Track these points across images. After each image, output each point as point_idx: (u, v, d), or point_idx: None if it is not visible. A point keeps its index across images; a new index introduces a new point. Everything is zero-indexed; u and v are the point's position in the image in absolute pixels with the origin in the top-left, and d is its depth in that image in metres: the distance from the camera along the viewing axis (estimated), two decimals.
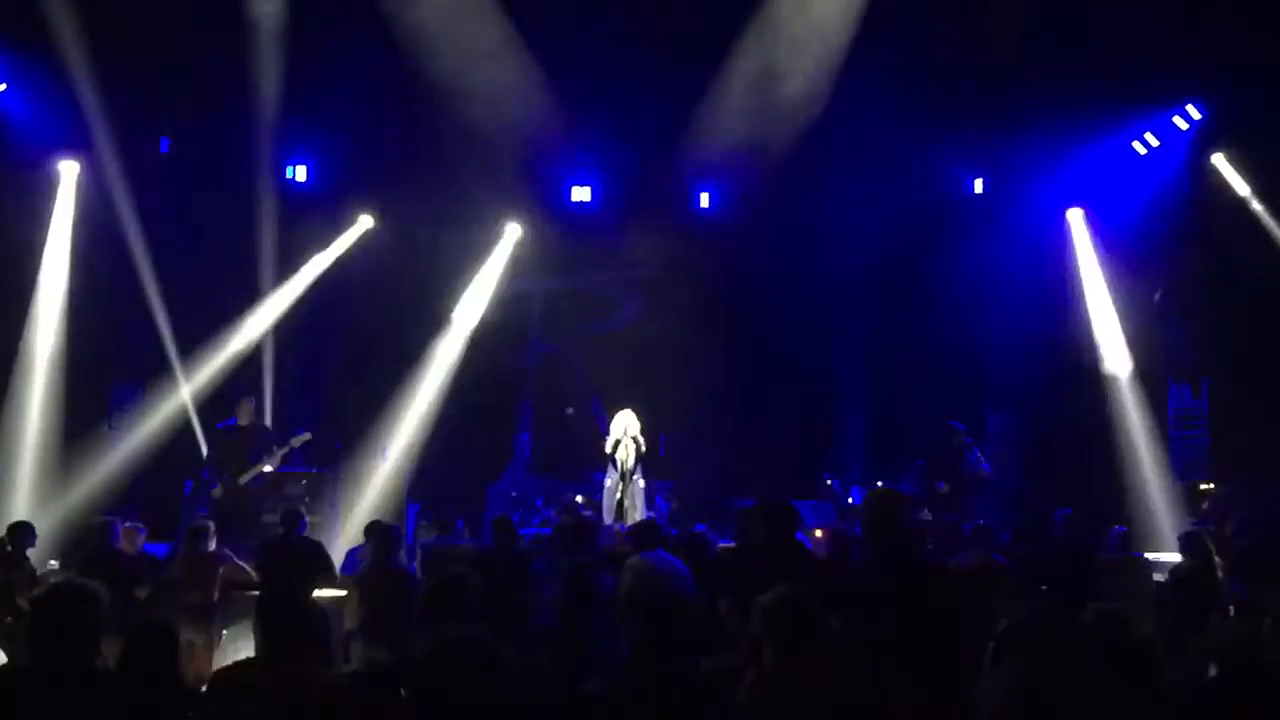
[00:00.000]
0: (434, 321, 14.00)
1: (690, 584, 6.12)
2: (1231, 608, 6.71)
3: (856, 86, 11.64)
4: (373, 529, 7.50)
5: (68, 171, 12.16)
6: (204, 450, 12.02)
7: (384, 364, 13.50)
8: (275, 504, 10.64)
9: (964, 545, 7.65)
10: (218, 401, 12.37)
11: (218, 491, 10.66)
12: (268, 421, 12.40)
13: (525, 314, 14.99)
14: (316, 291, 13.41)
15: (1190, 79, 11.78)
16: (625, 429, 12.08)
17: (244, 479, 10.74)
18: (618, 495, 11.97)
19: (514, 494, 13.39)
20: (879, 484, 13.02)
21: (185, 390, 12.46)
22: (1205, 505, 10.96)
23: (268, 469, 10.94)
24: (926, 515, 11.18)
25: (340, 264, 13.58)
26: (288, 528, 8.36)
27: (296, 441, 11.32)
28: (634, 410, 12.21)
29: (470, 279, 14.27)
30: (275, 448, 10.98)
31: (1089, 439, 12.56)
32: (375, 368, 13.50)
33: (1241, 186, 12.09)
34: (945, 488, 10.84)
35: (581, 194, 13.71)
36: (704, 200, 13.94)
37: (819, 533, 10.43)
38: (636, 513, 11.62)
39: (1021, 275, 13.10)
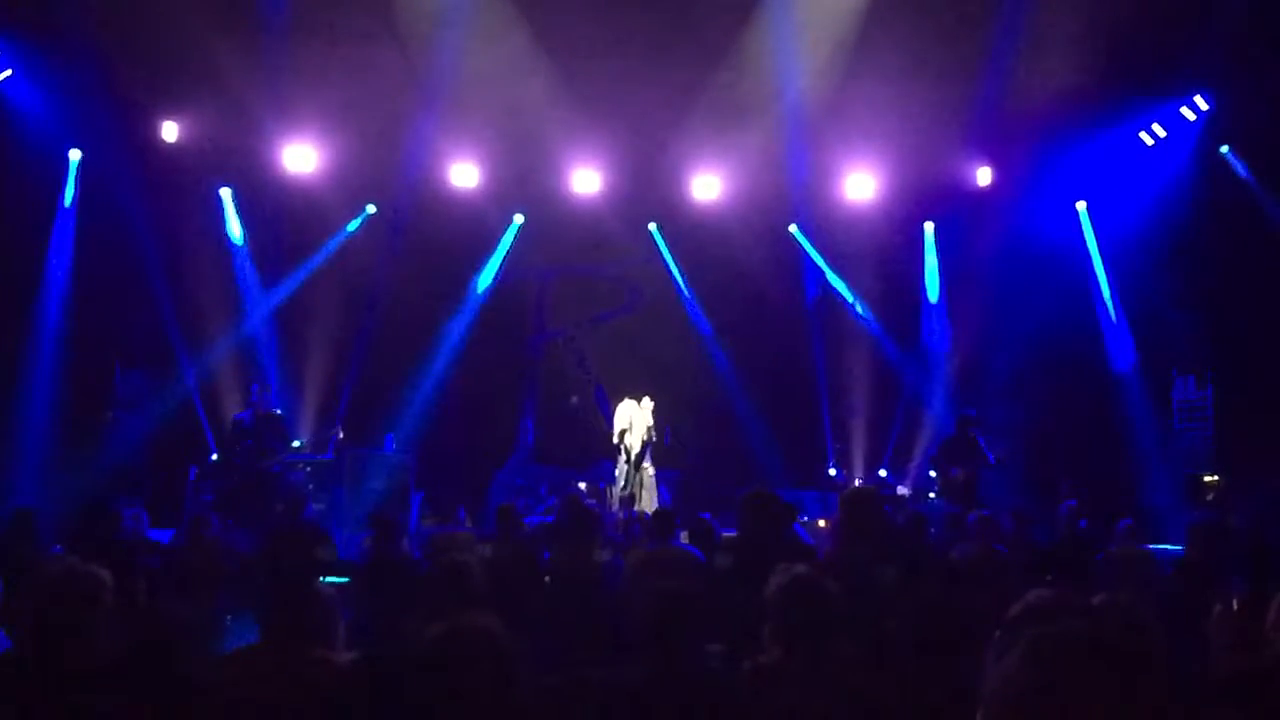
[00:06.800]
0: (439, 311, 14.01)
1: (701, 573, 6.12)
2: (1235, 601, 6.70)
3: (863, 76, 11.60)
4: (375, 518, 7.51)
5: (73, 158, 12.20)
6: (212, 437, 12.11)
7: (390, 353, 13.52)
8: (280, 491, 10.67)
9: (967, 535, 7.64)
10: (223, 387, 12.40)
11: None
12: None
13: (529, 303, 15.00)
14: (320, 279, 13.43)
15: (1198, 70, 11.72)
16: (630, 419, 12.08)
17: (261, 465, 10.79)
18: (623, 484, 12.00)
19: (518, 482, 13.40)
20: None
21: (190, 376, 12.50)
22: (1209, 497, 10.94)
23: (285, 456, 10.99)
24: (938, 501, 11.21)
25: (344, 252, 13.61)
26: (292, 514, 8.38)
27: (330, 434, 11.46)
28: (636, 400, 12.22)
29: (475, 268, 14.29)
30: (287, 438, 11.03)
31: (1094, 431, 12.55)
32: (380, 357, 13.52)
33: (1249, 178, 12.05)
34: (960, 475, 10.86)
35: (586, 182, 13.68)
36: (708, 189, 13.88)
37: (823, 523, 10.44)
38: (643, 502, 11.64)
39: (1027, 266, 13.09)
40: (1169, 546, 9.17)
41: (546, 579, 7.16)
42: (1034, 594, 2.43)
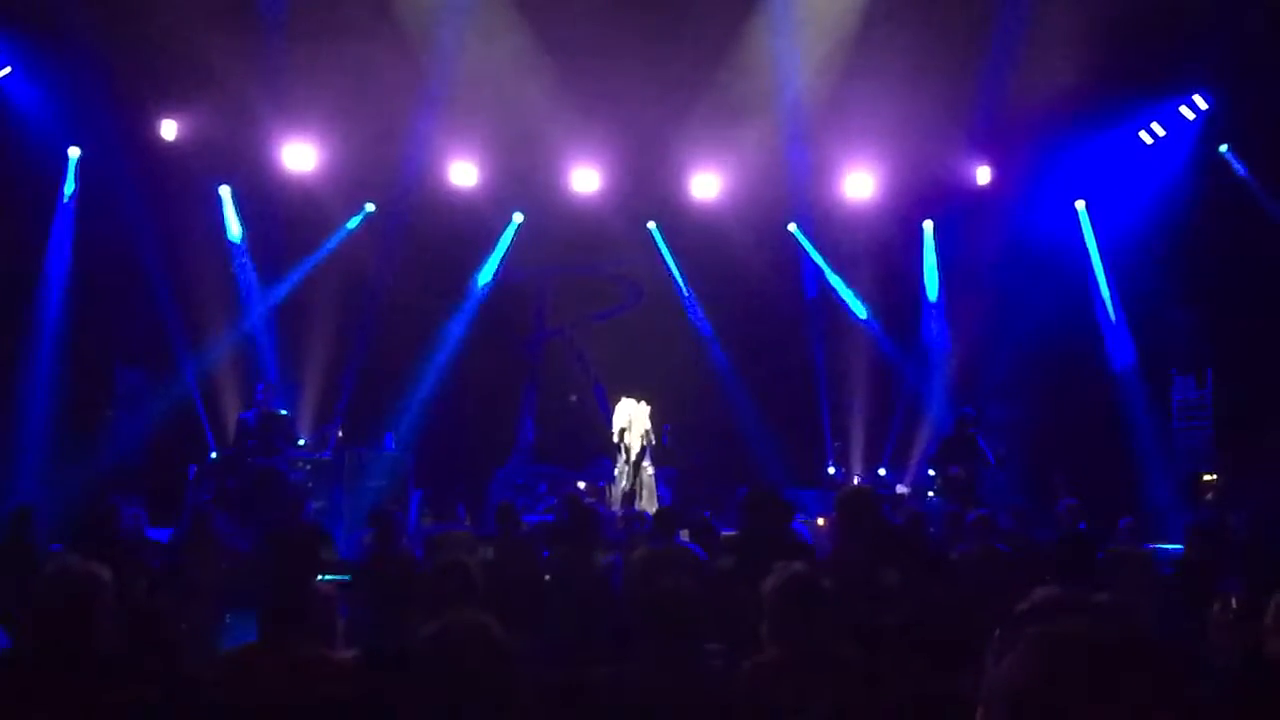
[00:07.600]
0: (439, 310, 14.01)
1: (702, 572, 6.13)
2: (1234, 600, 6.70)
3: (862, 74, 11.60)
4: (375, 515, 7.52)
5: (72, 155, 12.20)
6: (211, 435, 12.12)
7: (389, 352, 13.51)
8: (281, 490, 10.68)
9: (967, 534, 7.64)
10: (222, 386, 12.41)
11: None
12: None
13: (528, 301, 15.00)
14: (319, 277, 13.43)
15: (1198, 69, 11.72)
16: (629, 418, 12.08)
17: (264, 461, 10.81)
18: (623, 484, 12.00)
19: (518, 481, 13.39)
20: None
21: (190, 374, 12.51)
22: (1209, 496, 10.94)
23: (288, 453, 11.00)
24: (937, 500, 11.22)
25: (343, 250, 13.61)
26: (291, 512, 8.38)
27: (330, 432, 11.46)
28: (634, 399, 12.22)
29: (475, 266, 14.29)
30: (292, 438, 11.05)
31: (1093, 430, 12.56)
32: (380, 356, 13.52)
33: (1248, 177, 12.04)
34: (959, 473, 10.87)
35: (585, 181, 13.65)
36: (707, 188, 13.83)
37: (822, 521, 10.44)
38: (643, 501, 11.64)
39: (1027, 266, 13.09)
40: (1169, 546, 9.17)
41: (546, 578, 7.17)
42: (1040, 592, 2.42)
